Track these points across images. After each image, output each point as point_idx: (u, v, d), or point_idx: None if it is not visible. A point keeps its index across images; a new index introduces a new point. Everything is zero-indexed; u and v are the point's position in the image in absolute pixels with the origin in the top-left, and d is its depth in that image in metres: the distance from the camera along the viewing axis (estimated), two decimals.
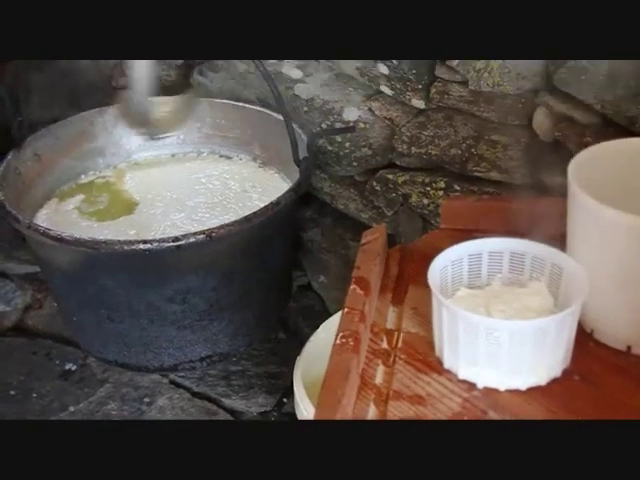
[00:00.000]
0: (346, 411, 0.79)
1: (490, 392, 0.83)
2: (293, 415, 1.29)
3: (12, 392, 1.65)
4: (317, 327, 1.35)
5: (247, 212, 1.42)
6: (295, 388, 1.24)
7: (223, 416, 1.57)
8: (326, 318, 1.35)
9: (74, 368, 1.69)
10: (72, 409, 1.60)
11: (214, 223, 1.49)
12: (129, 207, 1.63)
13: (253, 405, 1.60)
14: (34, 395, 1.64)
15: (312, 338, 1.33)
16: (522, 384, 0.83)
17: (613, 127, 1.20)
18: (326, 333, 1.26)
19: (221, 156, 1.76)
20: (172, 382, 1.65)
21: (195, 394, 1.63)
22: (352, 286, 0.93)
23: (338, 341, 0.86)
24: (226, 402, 1.61)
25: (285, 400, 1.59)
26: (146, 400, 1.61)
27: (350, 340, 0.86)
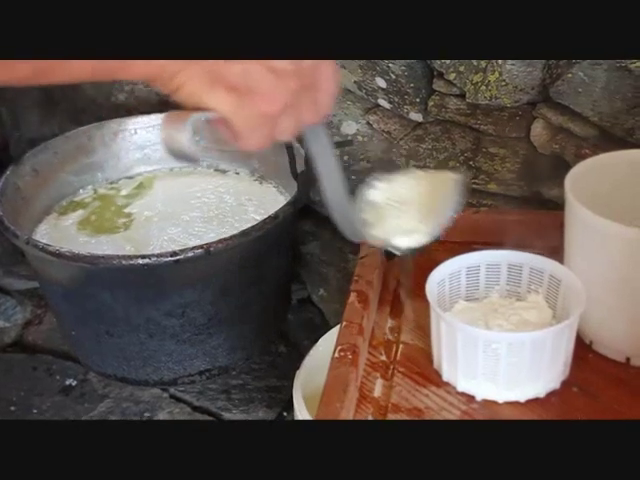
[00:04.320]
0: None
1: (489, 404, 0.83)
2: None
3: (12, 408, 1.65)
4: (317, 340, 1.34)
5: (244, 226, 1.42)
6: (295, 402, 1.24)
7: None
8: (326, 331, 1.35)
9: (74, 383, 1.70)
10: None
11: (211, 237, 1.49)
12: (127, 222, 1.63)
13: (253, 419, 1.60)
14: (34, 411, 1.64)
15: (311, 352, 1.33)
16: (521, 396, 0.83)
17: (611, 139, 1.20)
18: (325, 346, 1.26)
19: (218, 170, 1.76)
20: (172, 396, 1.66)
21: (195, 408, 1.63)
22: (350, 299, 0.93)
23: (336, 354, 0.86)
24: (226, 416, 1.61)
25: (285, 414, 1.59)
26: (147, 415, 1.62)
27: (348, 353, 0.86)
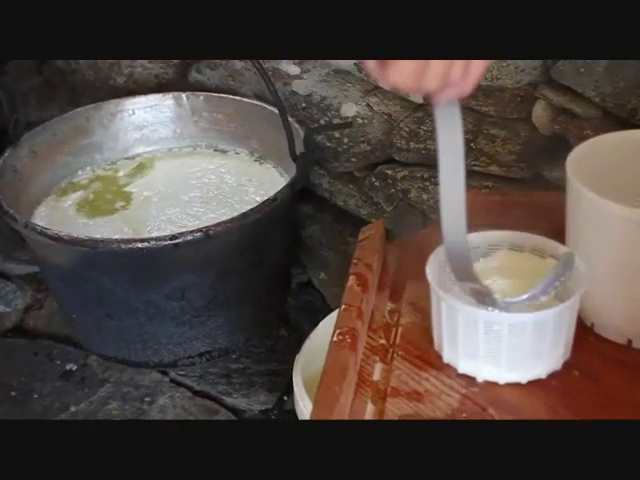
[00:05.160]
0: (343, 409, 0.79)
1: (489, 386, 0.82)
2: (294, 413, 1.28)
3: (13, 393, 1.65)
4: (318, 324, 1.34)
5: (243, 206, 1.42)
6: (295, 386, 1.24)
7: (224, 414, 1.57)
8: (327, 314, 1.35)
9: (75, 368, 1.69)
10: (73, 409, 1.60)
11: (210, 218, 1.49)
12: (125, 202, 1.63)
13: (254, 403, 1.60)
14: (35, 396, 1.64)
15: (311, 335, 1.32)
16: (522, 378, 0.83)
17: (613, 119, 1.19)
18: (325, 330, 1.26)
19: (218, 150, 1.75)
20: (173, 381, 1.65)
21: (196, 393, 1.63)
22: (349, 283, 0.92)
23: (335, 338, 0.85)
24: (227, 400, 1.61)
25: (285, 398, 1.59)
26: (147, 399, 1.61)
27: (347, 337, 0.85)
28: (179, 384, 1.64)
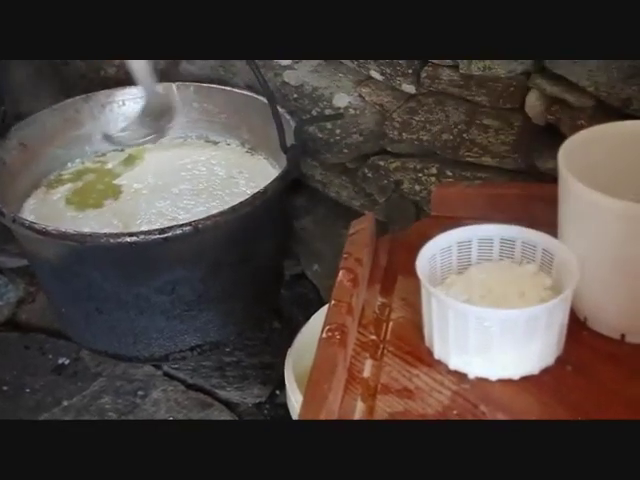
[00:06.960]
0: (333, 407, 0.78)
1: (481, 383, 0.82)
2: (286, 406, 1.28)
3: (5, 388, 1.64)
4: (311, 316, 1.33)
5: (234, 199, 1.41)
6: (286, 380, 1.23)
7: (218, 408, 1.56)
8: (320, 307, 1.34)
9: (67, 362, 1.69)
10: (66, 403, 1.59)
11: (200, 211, 1.48)
12: (115, 195, 1.62)
13: (248, 396, 1.59)
14: (27, 390, 1.63)
15: (303, 329, 1.32)
16: (514, 374, 0.82)
17: (607, 110, 1.18)
18: (317, 324, 1.25)
19: (209, 141, 1.74)
20: (166, 374, 1.64)
21: (190, 386, 1.62)
22: (339, 278, 0.91)
23: (325, 335, 0.84)
24: (221, 394, 1.60)
25: (278, 392, 1.58)
26: (140, 393, 1.61)
27: (337, 333, 0.84)
28: (172, 377, 1.64)
